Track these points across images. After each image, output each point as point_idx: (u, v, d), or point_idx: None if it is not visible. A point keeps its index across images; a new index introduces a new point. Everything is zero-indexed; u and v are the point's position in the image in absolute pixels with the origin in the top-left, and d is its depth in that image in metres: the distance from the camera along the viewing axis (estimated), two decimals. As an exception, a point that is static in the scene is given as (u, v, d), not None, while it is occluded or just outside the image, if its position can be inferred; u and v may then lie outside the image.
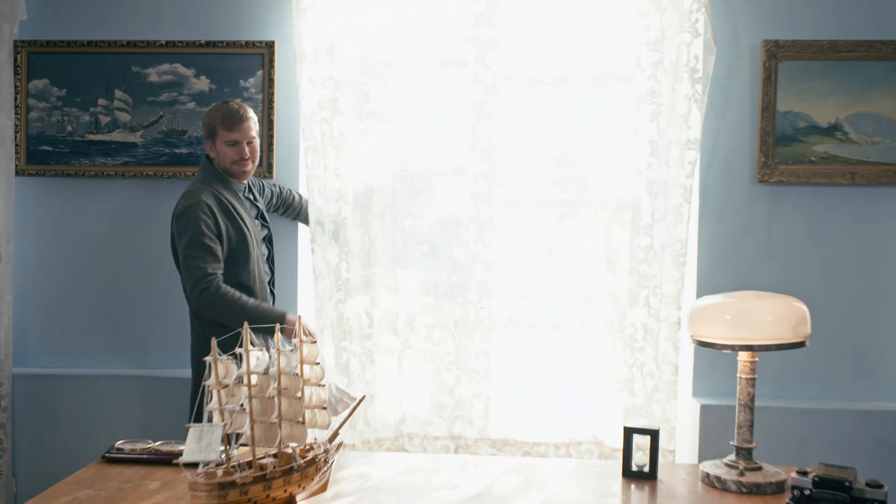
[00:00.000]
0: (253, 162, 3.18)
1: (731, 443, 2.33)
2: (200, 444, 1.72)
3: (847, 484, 1.86)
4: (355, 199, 3.45)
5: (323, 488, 2.03)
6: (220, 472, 1.77)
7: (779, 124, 3.42)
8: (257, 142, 3.21)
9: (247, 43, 3.52)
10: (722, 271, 3.46)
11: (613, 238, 3.45)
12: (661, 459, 2.44)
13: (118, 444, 2.34)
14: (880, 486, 1.86)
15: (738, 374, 2.32)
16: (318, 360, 1.96)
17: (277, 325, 1.98)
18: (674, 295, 3.33)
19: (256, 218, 3.25)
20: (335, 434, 2.04)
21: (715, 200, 3.48)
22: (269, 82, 3.53)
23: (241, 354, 1.81)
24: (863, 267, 3.46)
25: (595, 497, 2.17)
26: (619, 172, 3.43)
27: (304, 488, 1.91)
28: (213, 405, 1.78)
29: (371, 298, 3.45)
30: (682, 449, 3.43)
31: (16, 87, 3.57)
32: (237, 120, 3.10)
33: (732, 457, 2.31)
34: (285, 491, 1.85)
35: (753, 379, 2.31)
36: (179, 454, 2.25)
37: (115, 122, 3.60)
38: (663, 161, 3.35)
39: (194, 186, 3.11)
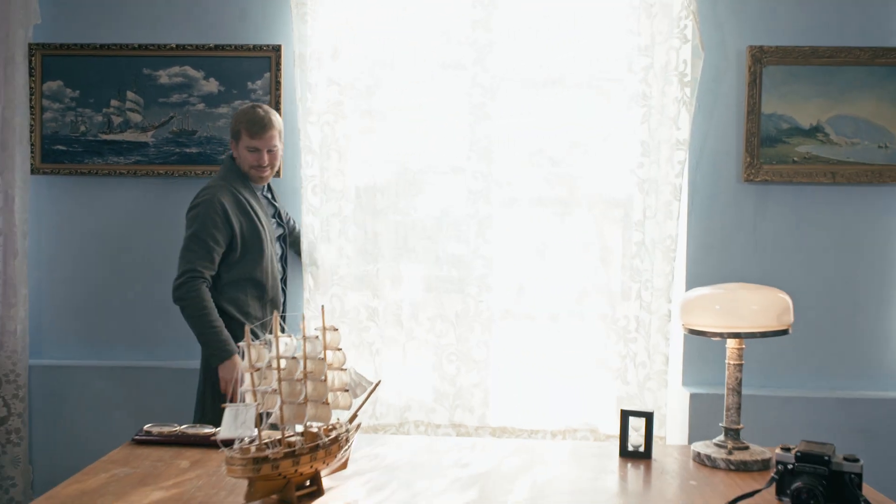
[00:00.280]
0: (272, 168, 3.26)
1: (720, 424, 2.49)
2: (236, 423, 1.86)
3: (826, 458, 2.02)
4: (358, 197, 3.57)
5: (343, 465, 2.18)
6: (253, 448, 1.92)
7: (763, 126, 3.52)
8: (279, 149, 3.28)
9: (254, 46, 3.63)
10: (710, 265, 3.57)
11: (607, 234, 3.57)
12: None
13: (146, 427, 2.47)
14: (856, 461, 2.03)
15: (726, 360, 2.48)
16: (339, 347, 2.11)
17: (303, 315, 2.11)
18: (664, 288, 3.47)
19: (273, 217, 3.34)
20: (354, 415, 2.19)
21: (703, 198, 3.59)
22: (275, 84, 3.65)
23: (271, 340, 1.96)
24: (842, 261, 3.59)
25: (595, 473, 2.33)
26: (611, 171, 3.55)
27: (327, 464, 2.06)
28: (246, 387, 1.93)
29: (373, 292, 3.58)
30: (672, 435, 3.56)
31: (31, 88, 3.67)
32: (260, 128, 3.18)
33: (721, 437, 2.48)
34: (311, 466, 2.00)
35: (741, 365, 2.47)
36: (204, 436, 2.41)
37: (126, 123, 3.71)
38: (654, 161, 3.48)
39: (214, 182, 3.20)
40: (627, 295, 3.51)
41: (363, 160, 3.58)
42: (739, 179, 3.58)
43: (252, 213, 3.19)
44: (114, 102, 3.71)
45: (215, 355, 3.06)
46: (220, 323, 3.08)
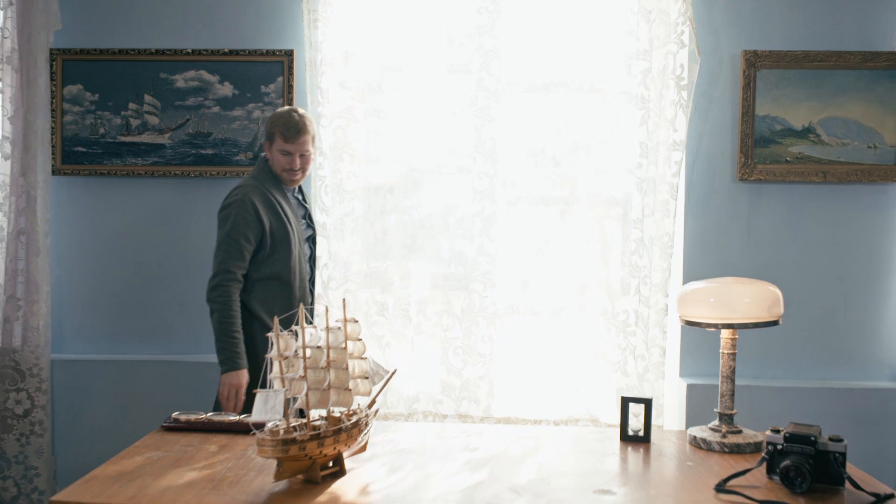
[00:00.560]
0: (303, 172, 3.29)
1: (715, 409, 2.64)
2: (266, 407, 2.01)
3: (813, 439, 2.17)
4: (368, 197, 3.70)
5: (363, 448, 2.33)
6: (282, 430, 2.06)
7: (757, 127, 3.62)
8: (312, 153, 3.30)
9: (267, 51, 3.74)
10: (705, 261, 3.68)
11: (606, 232, 3.68)
12: (650, 431, 2.74)
13: (174, 415, 2.62)
14: (840, 440, 2.17)
15: (720, 350, 2.63)
16: (360, 337, 2.26)
17: (326, 307, 2.25)
18: (662, 283, 3.59)
19: (303, 218, 3.39)
20: (373, 401, 2.34)
21: (699, 197, 3.70)
22: (288, 88, 3.76)
23: (297, 331, 2.10)
24: (833, 257, 3.69)
25: (598, 456, 2.49)
26: (611, 171, 3.66)
27: (349, 447, 2.21)
28: (275, 374, 2.08)
29: (382, 288, 3.70)
30: (669, 424, 3.68)
31: (52, 92, 3.78)
32: (294, 133, 3.20)
33: (716, 422, 2.63)
34: (334, 448, 2.15)
35: (734, 354, 2.62)
36: (230, 423, 2.56)
37: (144, 125, 3.83)
38: (652, 161, 3.60)
39: (246, 182, 3.23)
40: (627, 290, 3.63)
41: (373, 161, 3.69)
42: (734, 179, 3.69)
43: (281, 212, 3.22)
44: (132, 105, 3.82)
45: (226, 363, 3.10)
46: (240, 335, 3.12)
